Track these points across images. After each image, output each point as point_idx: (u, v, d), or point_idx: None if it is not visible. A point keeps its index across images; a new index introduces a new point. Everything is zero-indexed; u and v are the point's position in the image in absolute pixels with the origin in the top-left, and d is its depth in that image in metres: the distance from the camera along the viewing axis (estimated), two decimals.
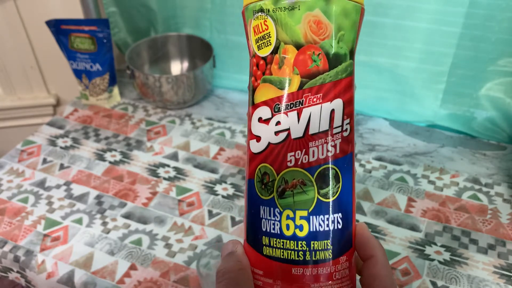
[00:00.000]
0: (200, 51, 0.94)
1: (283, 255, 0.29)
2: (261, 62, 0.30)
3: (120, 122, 0.88)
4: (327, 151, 0.29)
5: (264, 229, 0.30)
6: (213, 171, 0.77)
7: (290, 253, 0.29)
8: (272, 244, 0.29)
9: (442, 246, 0.65)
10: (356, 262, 0.31)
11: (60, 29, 0.86)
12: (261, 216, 0.30)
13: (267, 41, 0.29)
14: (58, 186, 0.75)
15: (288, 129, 0.29)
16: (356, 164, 0.78)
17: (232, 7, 0.87)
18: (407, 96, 0.84)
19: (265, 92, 0.29)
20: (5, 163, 0.79)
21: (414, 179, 0.75)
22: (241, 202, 0.71)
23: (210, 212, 0.70)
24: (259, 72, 0.30)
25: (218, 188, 0.74)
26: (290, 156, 0.29)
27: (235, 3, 0.86)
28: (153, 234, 0.67)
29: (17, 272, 0.66)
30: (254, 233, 0.30)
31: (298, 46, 0.28)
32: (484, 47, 0.74)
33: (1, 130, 1.15)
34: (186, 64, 1.00)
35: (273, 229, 0.29)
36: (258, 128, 0.30)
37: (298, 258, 0.29)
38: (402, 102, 0.85)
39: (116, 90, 0.94)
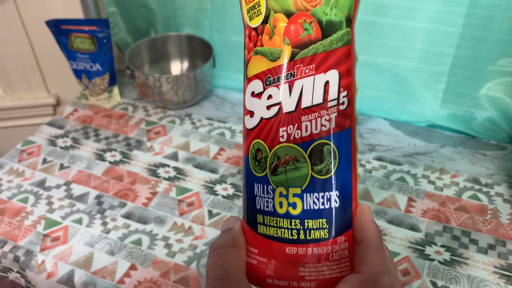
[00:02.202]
0: (200, 51, 0.94)
1: (276, 234, 0.28)
2: (253, 33, 0.28)
3: (120, 122, 0.88)
4: (321, 125, 0.27)
5: (258, 207, 0.29)
6: (213, 171, 0.77)
7: (284, 231, 0.28)
8: (266, 222, 0.29)
9: (442, 246, 0.65)
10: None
11: (60, 29, 0.86)
12: (255, 194, 0.29)
13: (257, 10, 0.28)
14: (58, 186, 0.75)
15: (279, 103, 0.27)
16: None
17: (232, 7, 0.87)
18: (407, 96, 0.84)
19: (257, 65, 0.28)
20: (5, 163, 0.79)
21: (414, 179, 0.75)
22: (241, 202, 0.71)
23: (210, 212, 0.70)
24: (251, 44, 0.28)
25: (218, 188, 0.74)
26: (282, 131, 0.28)
27: (235, 3, 0.86)
28: (153, 234, 0.67)
29: (17, 272, 0.66)
30: (250, 211, 0.30)
31: (289, 14, 0.27)
32: (484, 47, 0.74)
33: (1, 130, 1.15)
34: (186, 64, 1.00)
35: (267, 207, 0.29)
36: (251, 103, 0.29)
37: (291, 237, 0.28)
38: (402, 102, 0.85)
39: (116, 90, 0.94)
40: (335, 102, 0.28)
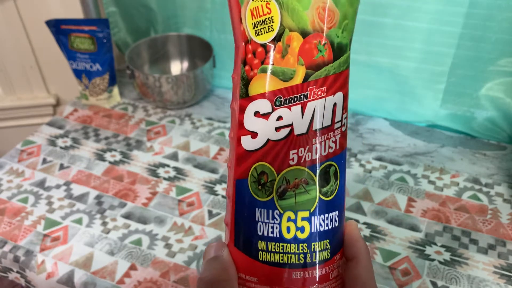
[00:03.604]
0: (200, 51, 0.94)
1: (282, 260, 0.27)
2: (260, 49, 0.27)
3: (120, 122, 0.88)
4: (329, 147, 0.27)
5: (260, 233, 0.28)
6: (213, 171, 0.77)
7: (290, 257, 0.27)
8: (270, 249, 0.28)
9: (442, 246, 0.65)
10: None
11: (60, 29, 0.86)
12: (256, 219, 0.28)
13: (268, 26, 0.26)
14: (58, 186, 0.74)
15: (291, 125, 0.27)
16: (356, 164, 0.78)
17: None
18: (407, 96, 0.84)
19: (264, 84, 0.27)
20: (5, 163, 0.79)
21: (414, 179, 0.75)
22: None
23: (210, 212, 0.70)
24: (257, 61, 0.27)
25: (218, 188, 0.74)
26: (293, 153, 0.27)
27: None
28: (153, 234, 0.67)
29: (17, 272, 0.66)
30: (247, 237, 0.28)
31: (305, 34, 0.26)
32: (484, 47, 0.74)
33: (1, 130, 1.15)
34: (186, 64, 1.00)
35: (272, 232, 0.28)
36: (254, 123, 0.27)
37: (298, 262, 0.27)
38: (402, 102, 0.85)
39: (116, 90, 0.94)
40: (339, 124, 0.28)
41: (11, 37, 1.01)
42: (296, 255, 0.28)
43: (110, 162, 0.79)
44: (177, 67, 1.00)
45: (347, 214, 0.69)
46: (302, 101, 0.26)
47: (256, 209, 0.28)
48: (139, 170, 0.77)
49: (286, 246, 0.27)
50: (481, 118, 0.82)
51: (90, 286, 0.60)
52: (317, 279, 0.28)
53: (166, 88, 0.86)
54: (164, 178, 0.76)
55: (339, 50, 0.27)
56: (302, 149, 0.27)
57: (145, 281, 0.60)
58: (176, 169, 0.77)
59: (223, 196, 0.72)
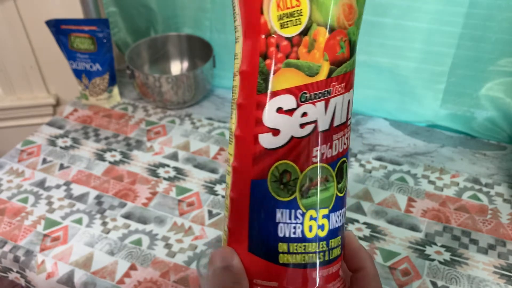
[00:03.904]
0: (200, 51, 0.94)
1: (304, 260, 0.27)
2: (285, 43, 0.25)
3: (120, 122, 0.88)
4: (343, 143, 0.27)
5: (281, 235, 0.27)
6: (213, 171, 0.77)
7: (312, 256, 0.27)
8: (291, 250, 0.27)
9: (442, 246, 0.65)
10: (344, 272, 0.30)
11: (60, 29, 0.86)
12: (277, 221, 0.27)
13: (296, 19, 0.25)
14: (58, 186, 0.74)
15: (315, 121, 0.26)
16: (356, 164, 0.78)
17: (232, 7, 0.87)
18: (407, 96, 0.84)
19: (289, 78, 0.26)
20: (5, 163, 0.79)
21: (414, 179, 0.75)
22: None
23: (210, 212, 0.70)
24: (281, 55, 0.26)
25: (218, 188, 0.74)
26: (316, 150, 0.26)
27: None
28: (153, 234, 0.67)
29: (17, 272, 0.66)
30: (265, 240, 0.27)
31: (330, 30, 0.25)
32: (484, 47, 0.74)
33: (1, 130, 1.15)
34: (186, 64, 1.00)
35: (294, 233, 0.26)
36: (276, 120, 0.26)
37: (319, 260, 0.27)
38: (402, 102, 0.85)
39: (116, 90, 0.94)
40: (350, 121, 0.28)
41: (11, 37, 1.01)
42: (317, 254, 0.27)
43: (110, 162, 0.79)
44: (177, 67, 1.00)
45: (347, 214, 0.69)
46: (326, 97, 0.26)
47: (277, 210, 0.27)
48: (139, 170, 0.77)
49: (308, 246, 0.27)
50: (481, 118, 0.82)
51: (90, 286, 0.60)
52: (334, 276, 0.28)
53: (166, 88, 0.86)
54: (164, 178, 0.76)
55: (353, 48, 0.27)
56: (325, 146, 0.27)
57: (145, 281, 0.60)
58: (176, 169, 0.77)
59: (223, 196, 0.72)
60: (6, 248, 0.65)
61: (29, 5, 0.97)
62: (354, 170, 0.77)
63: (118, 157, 0.80)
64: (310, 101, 0.26)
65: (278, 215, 0.27)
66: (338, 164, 0.27)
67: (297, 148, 0.26)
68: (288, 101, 0.26)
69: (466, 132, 0.84)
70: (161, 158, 0.80)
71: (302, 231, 0.27)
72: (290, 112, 0.26)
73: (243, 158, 0.27)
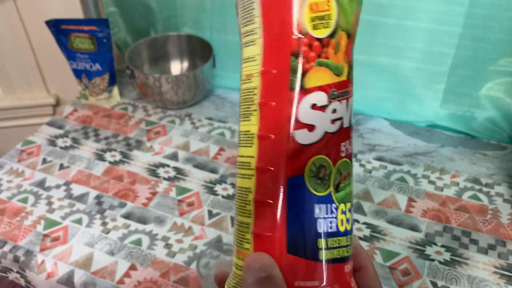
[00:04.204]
0: (200, 51, 0.94)
1: (339, 255, 0.27)
2: (316, 43, 0.27)
3: (120, 122, 0.88)
4: (351, 142, 0.29)
5: (320, 230, 0.27)
6: (213, 171, 0.77)
7: (343, 250, 0.27)
8: (329, 246, 0.27)
9: (442, 246, 0.65)
10: None
11: (60, 29, 0.86)
12: (316, 216, 0.27)
13: (326, 22, 0.27)
14: (58, 186, 0.74)
15: (341, 118, 0.28)
16: (356, 164, 0.78)
17: (232, 7, 0.86)
18: (407, 96, 0.84)
19: (321, 77, 0.27)
20: (5, 163, 0.79)
21: (414, 179, 0.75)
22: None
23: (210, 212, 0.70)
24: (313, 54, 0.27)
25: (218, 188, 0.74)
26: (343, 146, 0.28)
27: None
28: (153, 234, 0.67)
29: (17, 272, 0.66)
30: (306, 238, 0.27)
31: (348, 36, 0.28)
32: (484, 47, 0.74)
33: (1, 130, 1.15)
34: (186, 64, 1.00)
35: (331, 228, 0.27)
36: (311, 116, 0.27)
37: (348, 254, 0.28)
38: (402, 102, 0.85)
39: (116, 90, 0.93)
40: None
41: (11, 37, 1.01)
42: (346, 248, 0.28)
43: (110, 162, 0.79)
44: (177, 67, 1.00)
45: None
46: (347, 96, 0.28)
47: (315, 205, 0.27)
48: (139, 170, 0.77)
49: (341, 240, 0.27)
50: (481, 118, 0.82)
51: (90, 286, 0.60)
52: (352, 272, 0.29)
53: (166, 88, 0.86)
54: (164, 178, 0.76)
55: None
56: (348, 142, 0.28)
57: (145, 281, 0.60)
58: (176, 169, 0.77)
59: (223, 196, 0.72)
60: (6, 248, 0.65)
61: (29, 5, 0.97)
62: (354, 170, 0.77)
63: (118, 157, 0.80)
64: (338, 98, 0.27)
65: (317, 210, 0.27)
66: (351, 160, 0.29)
67: (329, 143, 0.27)
68: (321, 98, 0.27)
69: (466, 132, 0.84)
70: (161, 158, 0.80)
71: (336, 225, 0.27)
72: (323, 108, 0.27)
73: (274, 157, 0.27)
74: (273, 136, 0.27)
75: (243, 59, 0.29)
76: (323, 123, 0.27)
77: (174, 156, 0.80)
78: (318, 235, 0.27)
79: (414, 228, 0.67)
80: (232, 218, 0.69)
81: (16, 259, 0.64)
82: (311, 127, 0.27)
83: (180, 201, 0.72)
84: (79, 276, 0.61)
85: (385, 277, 0.61)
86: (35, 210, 0.70)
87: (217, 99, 0.95)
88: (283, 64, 0.27)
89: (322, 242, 0.27)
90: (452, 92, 0.81)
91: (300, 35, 0.27)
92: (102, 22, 0.86)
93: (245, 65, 0.28)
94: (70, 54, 0.88)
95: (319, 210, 0.27)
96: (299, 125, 0.27)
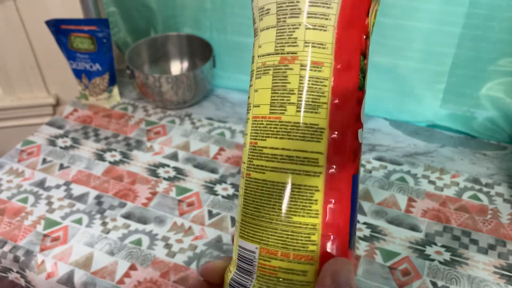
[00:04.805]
0: (200, 51, 0.94)
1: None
2: (370, 46, 0.30)
3: (120, 122, 0.88)
4: None
5: (356, 223, 0.29)
6: (213, 171, 0.77)
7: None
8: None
9: (442, 246, 0.65)
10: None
11: (59, 29, 0.86)
12: (356, 211, 0.29)
13: (372, 27, 0.30)
14: (58, 186, 0.74)
15: None
16: None
17: (232, 7, 0.87)
18: (407, 96, 0.84)
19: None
20: (5, 163, 0.79)
21: (414, 179, 0.75)
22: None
23: (210, 212, 0.70)
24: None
25: (218, 188, 0.74)
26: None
27: (235, 3, 0.86)
28: (153, 234, 0.67)
29: (17, 272, 0.66)
30: (355, 231, 0.28)
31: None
32: (484, 47, 0.74)
33: (1, 130, 1.15)
34: (186, 64, 1.00)
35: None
36: (363, 116, 0.28)
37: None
38: (402, 102, 0.85)
39: (116, 90, 0.93)
40: None
41: (11, 37, 1.01)
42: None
43: (110, 162, 0.79)
44: (177, 67, 1.00)
45: None
46: None
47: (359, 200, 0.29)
48: (139, 170, 0.77)
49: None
50: (481, 118, 0.82)
51: (90, 286, 0.60)
52: None
53: (166, 88, 0.86)
54: (164, 178, 0.76)
55: None
56: None
57: (145, 281, 0.60)
58: (176, 169, 0.77)
59: (223, 196, 0.72)
60: (6, 248, 0.65)
61: (29, 5, 0.97)
62: None
63: (118, 157, 0.80)
64: None
65: (357, 205, 0.29)
66: None
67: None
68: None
69: (466, 132, 0.84)
70: (161, 158, 0.80)
71: None
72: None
73: (342, 156, 0.27)
74: (344, 134, 0.27)
75: (306, 41, 0.27)
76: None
77: (174, 156, 0.80)
78: (356, 227, 0.28)
79: (414, 228, 0.67)
80: (232, 218, 0.69)
81: (16, 259, 0.64)
82: (362, 127, 0.28)
83: (180, 201, 0.72)
84: (79, 276, 0.61)
85: (385, 277, 0.61)
86: (35, 210, 0.70)
87: (217, 99, 0.95)
88: (355, 62, 0.28)
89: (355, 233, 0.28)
90: (452, 92, 0.81)
91: (367, 36, 0.28)
92: (102, 22, 0.86)
93: (313, 50, 0.27)
94: (70, 54, 0.88)
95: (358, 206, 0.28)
96: (360, 124, 0.28)
